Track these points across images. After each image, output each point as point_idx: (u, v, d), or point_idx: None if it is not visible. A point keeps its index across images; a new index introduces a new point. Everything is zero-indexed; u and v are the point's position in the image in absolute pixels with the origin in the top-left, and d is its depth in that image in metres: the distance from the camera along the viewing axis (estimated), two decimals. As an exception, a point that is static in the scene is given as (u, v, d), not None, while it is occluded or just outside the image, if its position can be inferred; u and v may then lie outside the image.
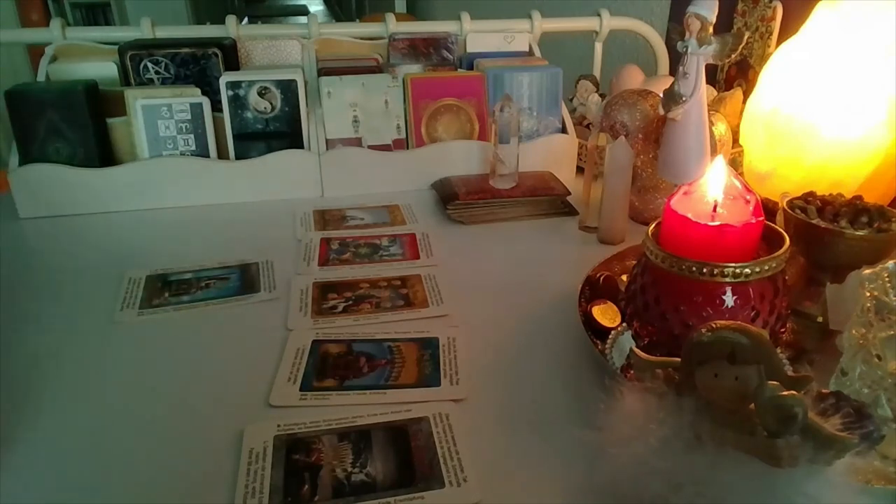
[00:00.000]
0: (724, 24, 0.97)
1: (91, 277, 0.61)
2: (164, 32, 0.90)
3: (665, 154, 0.65)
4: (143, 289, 0.59)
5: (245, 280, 0.60)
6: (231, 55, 0.82)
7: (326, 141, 0.81)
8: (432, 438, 0.40)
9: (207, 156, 0.78)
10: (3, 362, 0.49)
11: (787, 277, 0.42)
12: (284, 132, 0.79)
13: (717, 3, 0.57)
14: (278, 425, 0.41)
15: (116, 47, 0.80)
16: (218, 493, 0.37)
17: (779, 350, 0.41)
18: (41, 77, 0.79)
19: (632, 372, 0.38)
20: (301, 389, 0.45)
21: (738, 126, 0.73)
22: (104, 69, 0.79)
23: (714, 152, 0.64)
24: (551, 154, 0.85)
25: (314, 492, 0.37)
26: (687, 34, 0.58)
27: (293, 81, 0.78)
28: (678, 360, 0.33)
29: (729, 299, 0.39)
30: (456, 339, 0.51)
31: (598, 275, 0.55)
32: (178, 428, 0.42)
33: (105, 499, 0.37)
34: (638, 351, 0.35)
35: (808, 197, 0.53)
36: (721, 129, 0.69)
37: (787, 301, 0.41)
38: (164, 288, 0.59)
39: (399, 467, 0.38)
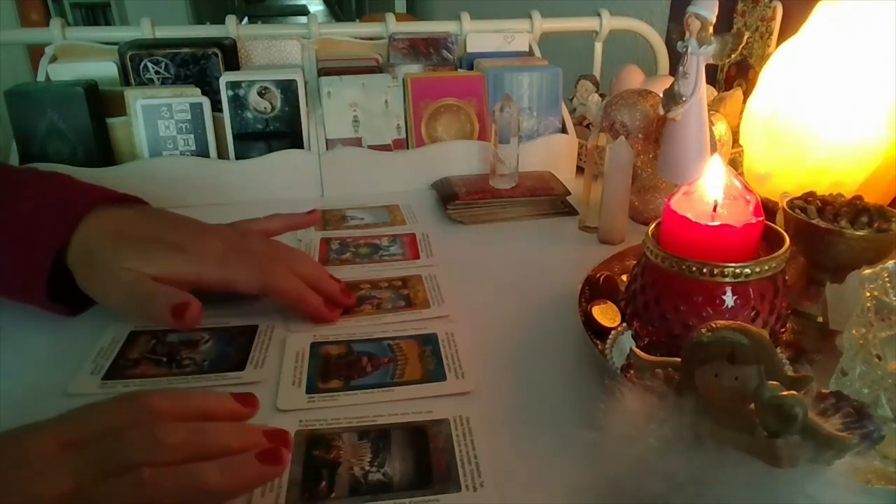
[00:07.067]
0: (724, 24, 0.97)
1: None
2: (164, 32, 0.90)
3: (665, 154, 0.65)
4: None
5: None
6: (231, 55, 0.82)
7: (326, 141, 0.81)
8: (451, 441, 0.40)
9: (207, 156, 0.78)
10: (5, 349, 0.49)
11: (787, 277, 0.42)
12: (284, 132, 0.79)
13: (717, 3, 0.57)
14: (300, 420, 0.42)
15: (116, 47, 0.80)
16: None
17: (779, 350, 0.41)
18: (41, 77, 0.79)
19: (632, 372, 0.38)
20: (307, 392, 0.45)
21: (738, 126, 0.73)
22: (104, 69, 0.79)
23: (714, 152, 0.64)
24: (551, 154, 0.85)
25: (331, 489, 0.37)
26: (687, 34, 0.58)
27: (293, 81, 0.78)
28: (678, 360, 0.33)
29: (729, 299, 0.39)
30: (454, 334, 0.51)
31: (598, 275, 0.55)
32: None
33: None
34: (638, 351, 0.35)
35: (808, 197, 0.53)
36: (721, 129, 0.69)
37: (787, 301, 0.41)
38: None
39: (416, 469, 0.38)
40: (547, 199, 0.75)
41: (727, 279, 0.38)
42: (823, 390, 0.32)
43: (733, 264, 0.38)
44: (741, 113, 0.72)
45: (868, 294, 0.37)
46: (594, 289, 0.54)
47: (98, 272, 0.49)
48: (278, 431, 0.35)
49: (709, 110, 0.63)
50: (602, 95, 0.93)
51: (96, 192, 0.54)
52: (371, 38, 0.93)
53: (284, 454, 0.33)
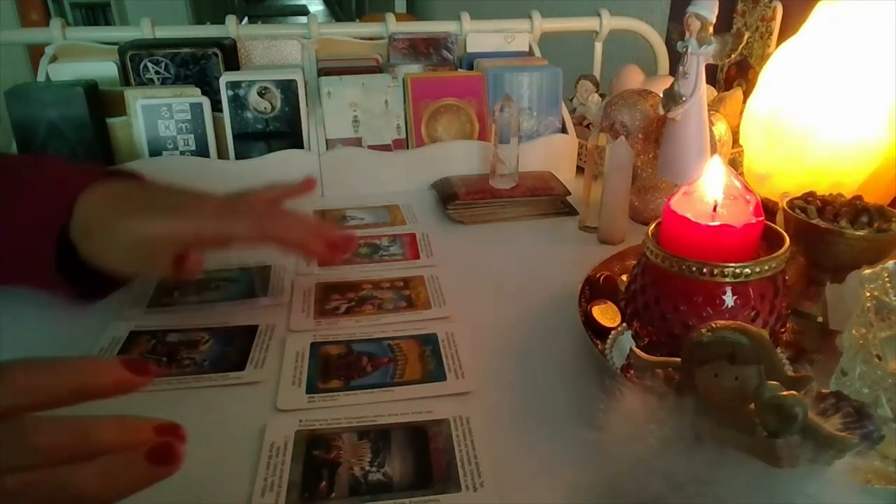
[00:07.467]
0: (724, 24, 0.97)
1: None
2: (164, 32, 0.90)
3: (665, 154, 0.65)
4: (155, 287, 0.59)
5: (254, 283, 0.60)
6: (231, 55, 0.82)
7: (326, 141, 0.81)
8: (451, 441, 0.40)
9: (207, 156, 0.78)
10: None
11: (787, 277, 0.42)
12: (284, 132, 0.79)
13: (717, 3, 0.57)
14: (300, 420, 0.42)
15: (116, 47, 0.80)
16: (237, 486, 0.37)
17: (779, 350, 0.41)
18: (41, 77, 0.79)
19: (632, 372, 0.38)
20: (307, 392, 0.45)
21: (738, 126, 0.73)
22: (104, 69, 0.79)
23: (714, 152, 0.64)
24: (551, 154, 0.85)
25: (331, 489, 0.37)
26: (687, 34, 0.58)
27: (293, 81, 0.78)
28: (678, 360, 0.33)
29: (729, 299, 0.39)
30: (454, 334, 0.51)
31: (598, 275, 0.55)
32: (198, 423, 0.42)
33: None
34: (638, 351, 0.35)
35: (808, 197, 0.53)
36: (721, 129, 0.69)
37: (787, 301, 0.41)
38: (175, 286, 0.59)
39: (416, 469, 0.38)
40: (547, 199, 0.75)
41: (727, 279, 0.38)
42: (823, 390, 0.32)
43: (733, 264, 0.38)
44: (741, 113, 0.72)
45: (868, 294, 0.37)
46: (594, 289, 0.54)
47: (100, 237, 0.49)
48: (170, 425, 0.29)
49: (709, 110, 0.63)
50: (602, 95, 0.93)
51: (93, 169, 0.55)
52: (371, 38, 0.93)
53: (178, 450, 0.27)
